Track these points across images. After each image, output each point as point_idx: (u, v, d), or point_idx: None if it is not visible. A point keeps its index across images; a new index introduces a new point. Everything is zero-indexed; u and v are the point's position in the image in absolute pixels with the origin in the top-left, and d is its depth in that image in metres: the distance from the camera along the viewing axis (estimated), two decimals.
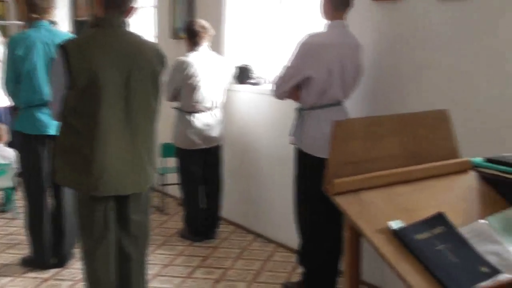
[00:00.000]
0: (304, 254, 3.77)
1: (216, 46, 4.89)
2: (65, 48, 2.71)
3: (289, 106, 3.83)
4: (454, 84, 3.31)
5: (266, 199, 4.84)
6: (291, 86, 3.58)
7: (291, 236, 3.90)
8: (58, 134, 2.87)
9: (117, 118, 2.79)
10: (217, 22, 5.01)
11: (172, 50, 5.21)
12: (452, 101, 3.24)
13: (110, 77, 2.74)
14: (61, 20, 5.51)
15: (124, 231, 2.99)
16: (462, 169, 2.08)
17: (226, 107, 4.91)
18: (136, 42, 2.89)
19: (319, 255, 3.65)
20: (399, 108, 3.48)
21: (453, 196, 1.98)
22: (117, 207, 2.95)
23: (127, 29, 2.89)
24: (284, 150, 3.87)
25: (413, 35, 3.51)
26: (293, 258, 4.08)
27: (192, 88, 4.58)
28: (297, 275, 4.04)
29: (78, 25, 7.14)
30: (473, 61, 3.21)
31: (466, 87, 3.25)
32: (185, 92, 4.63)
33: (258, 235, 4.93)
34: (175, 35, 5.71)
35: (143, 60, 2.85)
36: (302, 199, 3.67)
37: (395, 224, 1.76)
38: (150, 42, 3.00)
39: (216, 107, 4.72)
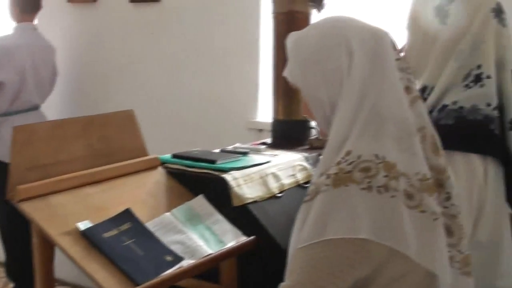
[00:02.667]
0: (11, 267, 3.62)
1: None
2: None
3: None
4: (148, 83, 3.46)
5: None
6: None
7: (0, 249, 3.71)
8: None
9: None
10: None
11: None
12: (155, 99, 3.40)
13: None
14: None
15: None
16: (151, 166, 2.19)
17: None
18: None
19: (25, 266, 3.53)
20: (101, 109, 3.51)
21: (143, 193, 2.07)
22: None
23: None
24: None
25: (109, 37, 3.59)
26: (3, 272, 3.88)
27: None
28: None
29: None
30: (165, 61, 3.40)
31: (159, 86, 3.43)
32: None
33: None
34: None
35: None
36: (3, 208, 3.51)
37: (83, 225, 1.79)
38: None
39: None
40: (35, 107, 3.51)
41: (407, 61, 1.97)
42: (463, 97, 1.80)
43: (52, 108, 3.68)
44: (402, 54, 1.51)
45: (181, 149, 2.38)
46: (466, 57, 1.81)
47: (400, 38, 2.29)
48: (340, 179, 1.33)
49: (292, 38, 1.55)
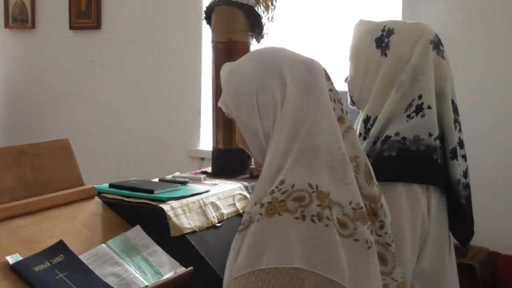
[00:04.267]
0: None
1: None
2: None
3: None
4: (88, 112, 3.42)
5: None
6: None
7: None
8: None
9: None
10: None
11: None
12: (94, 128, 3.35)
13: None
14: None
15: None
16: (86, 196, 2.14)
17: None
18: None
19: None
20: (37, 138, 3.45)
21: (77, 224, 2.02)
22: None
23: None
24: None
25: (48, 64, 3.55)
26: None
27: None
28: None
29: None
30: (106, 89, 3.37)
31: (108, 115, 3.39)
32: None
33: None
34: None
35: None
36: None
37: (12, 259, 1.73)
38: None
39: None
40: None
41: (350, 90, 2.01)
42: (405, 128, 1.83)
43: None
44: (334, 84, 1.53)
45: (121, 179, 2.34)
46: (407, 88, 1.85)
47: (337, 68, 2.34)
48: (273, 208, 1.33)
49: (225, 69, 1.55)
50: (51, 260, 1.77)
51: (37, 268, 1.73)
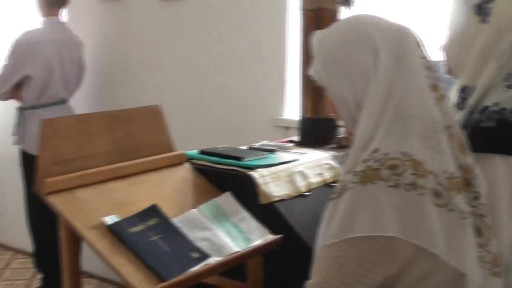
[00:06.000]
0: (39, 258, 3.66)
1: None
2: None
3: (16, 105, 3.67)
4: (175, 80, 3.47)
5: None
6: (11, 86, 3.44)
7: (28, 240, 3.75)
8: None
9: None
10: None
11: None
12: (178, 95, 3.41)
13: None
14: None
15: None
16: (177, 162, 2.18)
17: None
18: None
19: (53, 258, 3.56)
20: (128, 105, 3.54)
21: (168, 189, 2.06)
22: None
23: None
24: (14, 151, 3.71)
25: (137, 33, 3.61)
26: (30, 263, 3.92)
27: None
28: (37, 280, 3.90)
29: None
30: (192, 57, 3.41)
31: (191, 82, 3.44)
32: None
33: None
34: None
35: None
36: (30, 200, 3.56)
37: (110, 219, 1.79)
38: None
39: None
40: (62, 101, 3.54)
41: (446, 58, 1.93)
42: (505, 98, 1.75)
43: (80, 103, 3.71)
44: (427, 51, 1.48)
45: (205, 146, 2.37)
46: (508, 56, 1.76)
47: (431, 35, 2.26)
48: (367, 177, 1.31)
49: (317, 37, 1.53)
50: (145, 223, 1.83)
51: (132, 230, 1.78)
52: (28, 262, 4.18)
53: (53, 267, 3.59)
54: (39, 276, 3.76)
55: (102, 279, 3.99)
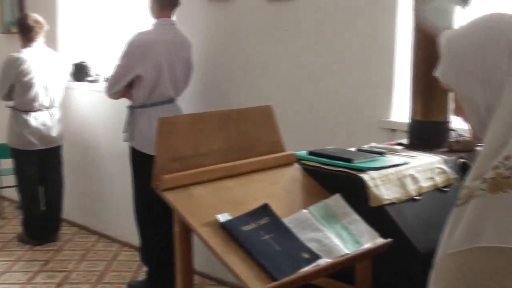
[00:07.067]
0: (145, 252, 3.78)
1: (50, 42, 4.71)
2: None
3: (127, 103, 3.80)
4: (286, 80, 3.49)
5: (108, 198, 4.77)
6: (123, 86, 3.57)
7: (136, 234, 3.89)
8: None
9: None
10: (50, 16, 4.83)
11: (2, 46, 4.97)
12: (285, 96, 3.42)
13: None
14: None
15: None
16: (287, 162, 2.19)
17: (64, 106, 4.76)
18: None
19: (159, 253, 3.68)
20: (234, 104, 3.59)
21: (278, 188, 2.08)
22: None
23: None
24: (124, 148, 3.85)
25: (245, 34, 3.65)
26: (138, 256, 4.06)
27: (27, 86, 4.41)
28: (142, 273, 4.03)
29: None
30: (299, 58, 3.41)
31: (297, 83, 3.44)
32: (19, 90, 4.44)
33: (102, 235, 4.85)
34: (5, 29, 5.41)
35: None
36: (138, 196, 3.68)
37: (223, 217, 1.82)
38: None
39: (54, 106, 4.57)
40: (171, 100, 3.63)
41: None
42: None
43: (186, 102, 3.80)
44: None
45: (310, 147, 2.37)
46: None
47: None
48: (497, 184, 1.26)
49: (446, 37, 1.48)
50: (257, 222, 1.85)
51: (244, 228, 1.81)
52: (134, 255, 4.33)
53: (158, 261, 3.71)
54: (144, 269, 3.89)
55: (204, 276, 4.06)
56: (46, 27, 4.51)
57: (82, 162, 4.94)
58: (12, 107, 4.55)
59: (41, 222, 4.69)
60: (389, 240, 1.94)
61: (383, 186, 2.06)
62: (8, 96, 4.52)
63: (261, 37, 3.56)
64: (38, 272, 4.14)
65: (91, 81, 4.73)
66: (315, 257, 1.79)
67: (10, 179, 4.98)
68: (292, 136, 2.63)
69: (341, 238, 1.89)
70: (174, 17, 3.66)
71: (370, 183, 2.03)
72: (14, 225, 5.08)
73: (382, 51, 3.14)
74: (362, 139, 2.89)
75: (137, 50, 3.50)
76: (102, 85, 4.45)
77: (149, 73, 3.51)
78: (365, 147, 2.44)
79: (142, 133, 3.59)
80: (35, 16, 4.50)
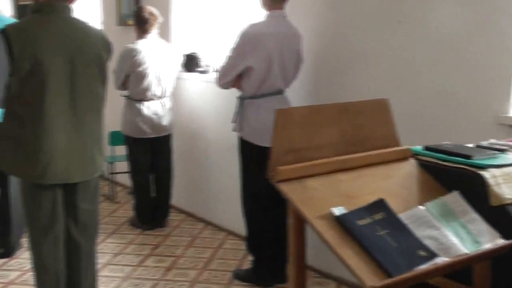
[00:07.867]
0: (251, 242, 3.83)
1: (163, 34, 4.87)
2: (6, 32, 2.66)
3: (237, 94, 3.86)
4: (395, 73, 3.41)
5: (215, 187, 4.87)
6: (233, 76, 3.62)
7: (241, 223, 3.95)
8: (1, 121, 2.81)
9: (62, 105, 2.75)
10: (164, 9, 4.98)
11: (119, 37, 5.17)
12: (394, 89, 3.35)
13: (54, 64, 2.70)
14: (3, 4, 5.38)
15: (73, 219, 2.95)
16: (402, 157, 2.15)
17: (175, 96, 4.91)
18: (80, 28, 2.84)
19: (265, 243, 3.71)
20: (342, 97, 3.56)
21: (393, 183, 2.04)
22: (65, 196, 2.91)
23: (71, 15, 2.83)
24: (232, 138, 3.91)
25: (355, 26, 3.59)
26: (244, 245, 4.13)
27: (141, 76, 4.57)
28: (247, 262, 4.09)
29: (20, 9, 6.96)
30: (411, 50, 3.32)
31: (407, 76, 3.36)
32: (134, 80, 4.61)
33: (208, 223, 4.96)
34: (122, 21, 5.64)
35: (87, 47, 2.81)
36: (246, 186, 3.73)
37: (338, 210, 1.81)
38: (94, 28, 2.94)
39: (165, 95, 4.72)
40: (279, 92, 3.65)
41: None
42: None
43: (294, 93, 3.80)
44: None
45: (424, 142, 2.30)
46: None
47: None
48: None
49: None
50: (372, 216, 1.82)
51: (359, 222, 1.79)
52: (240, 244, 4.41)
53: (263, 251, 3.76)
54: (250, 258, 3.95)
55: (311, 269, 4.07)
56: (160, 19, 4.66)
57: (191, 150, 5.07)
58: (127, 96, 4.73)
59: (151, 208, 4.87)
60: (511, 241, 1.86)
61: (504, 185, 1.98)
62: (124, 86, 4.70)
63: (371, 30, 3.50)
64: (148, 256, 4.30)
65: (201, 72, 4.84)
66: (432, 255, 1.74)
67: (123, 165, 5.20)
68: (403, 131, 2.57)
69: (459, 237, 1.83)
70: (285, 9, 3.66)
71: (491, 181, 1.95)
72: (127, 209, 5.30)
73: (499, 43, 3.00)
74: (477, 135, 2.79)
75: (248, 42, 3.54)
76: (212, 75, 4.54)
77: (259, 65, 3.54)
78: (485, 143, 2.34)
79: (250, 123, 3.63)
80: (150, 8, 4.65)
